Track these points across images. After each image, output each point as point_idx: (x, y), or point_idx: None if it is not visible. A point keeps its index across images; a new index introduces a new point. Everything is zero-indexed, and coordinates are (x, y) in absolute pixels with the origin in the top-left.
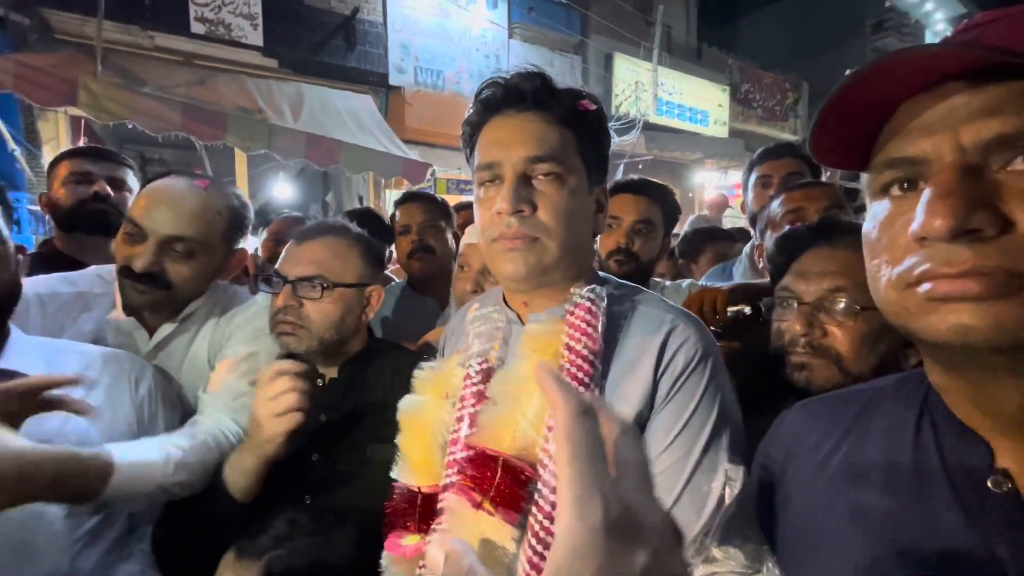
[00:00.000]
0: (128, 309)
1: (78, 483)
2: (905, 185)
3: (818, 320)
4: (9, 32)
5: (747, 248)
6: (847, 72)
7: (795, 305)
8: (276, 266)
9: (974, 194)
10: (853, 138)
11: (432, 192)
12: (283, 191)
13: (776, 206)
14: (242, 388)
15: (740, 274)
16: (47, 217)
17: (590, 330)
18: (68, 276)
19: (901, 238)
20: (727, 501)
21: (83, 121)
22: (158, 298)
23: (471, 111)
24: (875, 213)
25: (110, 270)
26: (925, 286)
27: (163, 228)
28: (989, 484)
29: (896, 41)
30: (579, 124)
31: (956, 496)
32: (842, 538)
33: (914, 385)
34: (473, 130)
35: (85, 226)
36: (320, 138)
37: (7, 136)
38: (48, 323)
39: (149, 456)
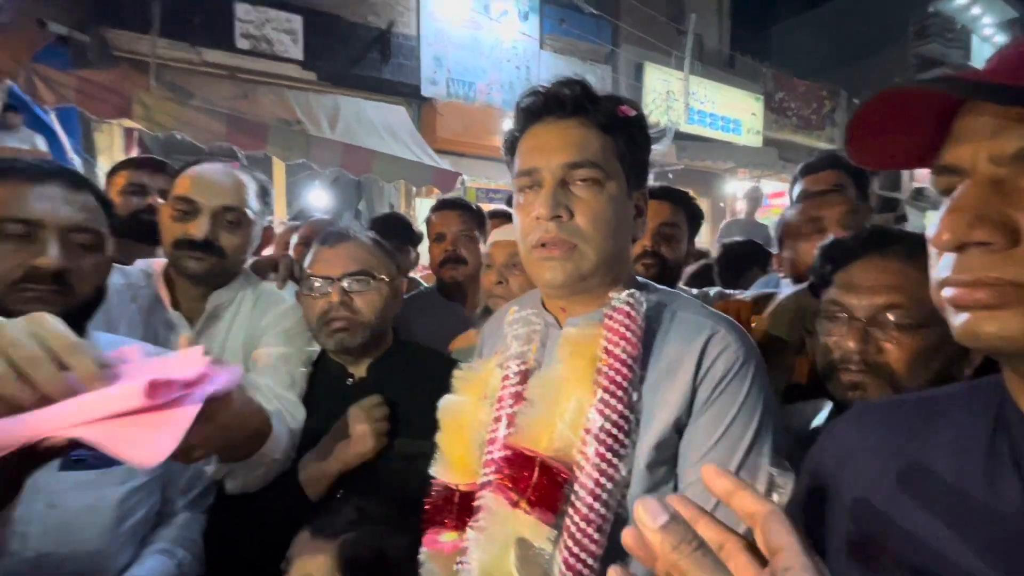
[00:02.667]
0: (172, 302)
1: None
2: (949, 193)
3: (872, 336)
4: (71, 49)
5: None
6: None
7: (846, 319)
8: (310, 270)
9: (986, 208)
10: (911, 135)
11: (463, 199)
12: (318, 199)
13: (793, 215)
14: (278, 392)
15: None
16: None
17: (628, 334)
18: (120, 268)
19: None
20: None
21: (136, 133)
22: (214, 265)
23: (514, 120)
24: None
25: (152, 264)
26: (947, 291)
27: (214, 200)
28: None
29: (940, 47)
30: (619, 130)
31: None
32: (899, 557)
33: (988, 395)
34: (514, 138)
35: (136, 235)
36: (355, 148)
37: (67, 147)
38: (105, 312)
39: (276, 428)
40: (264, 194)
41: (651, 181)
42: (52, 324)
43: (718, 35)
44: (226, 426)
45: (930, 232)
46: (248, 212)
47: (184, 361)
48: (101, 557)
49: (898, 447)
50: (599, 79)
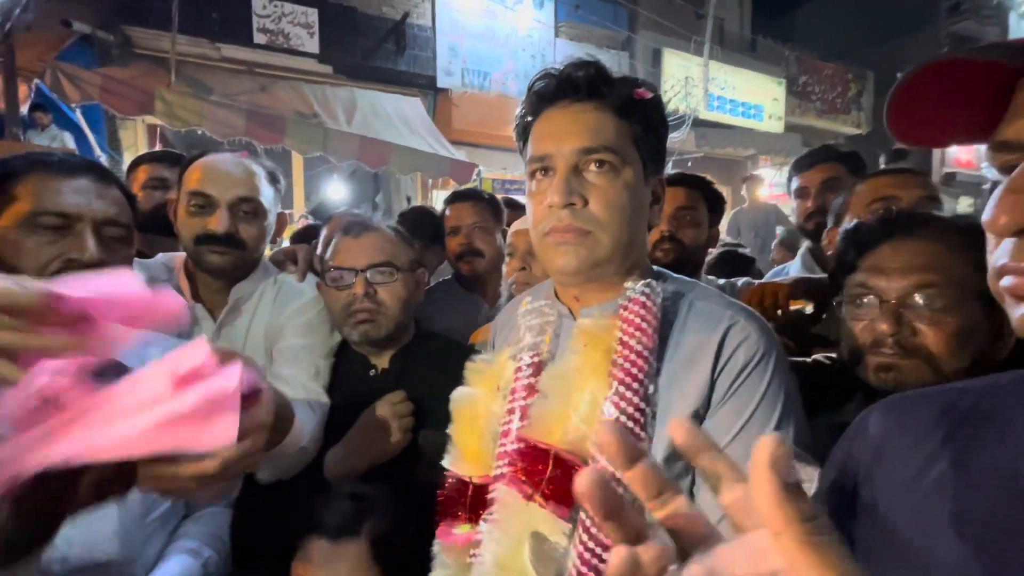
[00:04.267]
0: (193, 294)
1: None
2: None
3: (905, 318)
4: (96, 48)
5: (802, 250)
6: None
7: (875, 302)
8: (333, 262)
9: None
10: (961, 108)
11: (480, 189)
12: (336, 191)
13: (862, 190)
14: (303, 382)
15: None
16: None
17: (644, 325)
18: (141, 262)
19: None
20: None
21: (158, 128)
22: (236, 258)
23: (524, 103)
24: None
25: (172, 257)
26: (1005, 280)
27: (230, 192)
28: None
29: (975, 25)
30: (635, 113)
31: None
32: (940, 558)
33: None
34: (526, 123)
35: (158, 229)
36: (372, 140)
37: (94, 143)
38: None
39: (302, 416)
40: (274, 180)
41: (669, 169)
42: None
43: (739, 18)
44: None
45: (986, 214)
46: (263, 201)
47: (189, 353)
48: (127, 548)
49: (942, 440)
50: (616, 65)
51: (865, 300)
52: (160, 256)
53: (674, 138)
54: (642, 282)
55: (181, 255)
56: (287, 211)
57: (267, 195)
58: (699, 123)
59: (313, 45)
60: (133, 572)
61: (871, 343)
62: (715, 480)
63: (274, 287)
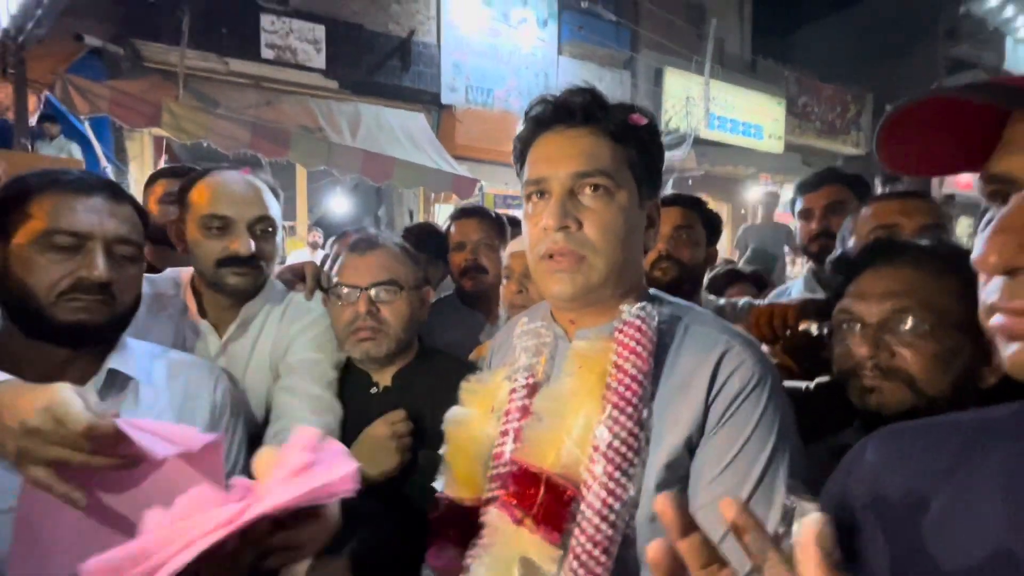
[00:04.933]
0: (200, 310)
1: None
2: (999, 202)
3: (884, 342)
4: (105, 61)
5: (805, 272)
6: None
7: (857, 327)
8: (337, 278)
9: None
10: (951, 138)
11: (485, 207)
12: (339, 205)
13: (865, 215)
14: (316, 391)
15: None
16: None
17: (639, 349)
18: (149, 278)
19: None
20: (793, 535)
21: (165, 140)
22: (256, 279)
23: (522, 128)
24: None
25: (180, 273)
26: (995, 318)
27: (248, 213)
28: None
29: (971, 50)
30: (630, 139)
31: None
32: None
33: None
34: (524, 146)
35: (173, 243)
36: (375, 155)
37: (101, 155)
38: (135, 321)
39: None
40: (276, 195)
41: (670, 187)
42: (67, 410)
43: (739, 39)
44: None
45: (976, 252)
46: (275, 218)
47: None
48: None
49: (941, 475)
50: (618, 84)
51: (849, 325)
52: (169, 271)
53: (675, 156)
54: (637, 305)
55: (189, 271)
56: (290, 223)
57: (276, 211)
58: (700, 142)
59: (320, 61)
60: None
61: (853, 366)
62: (760, 560)
63: (282, 305)
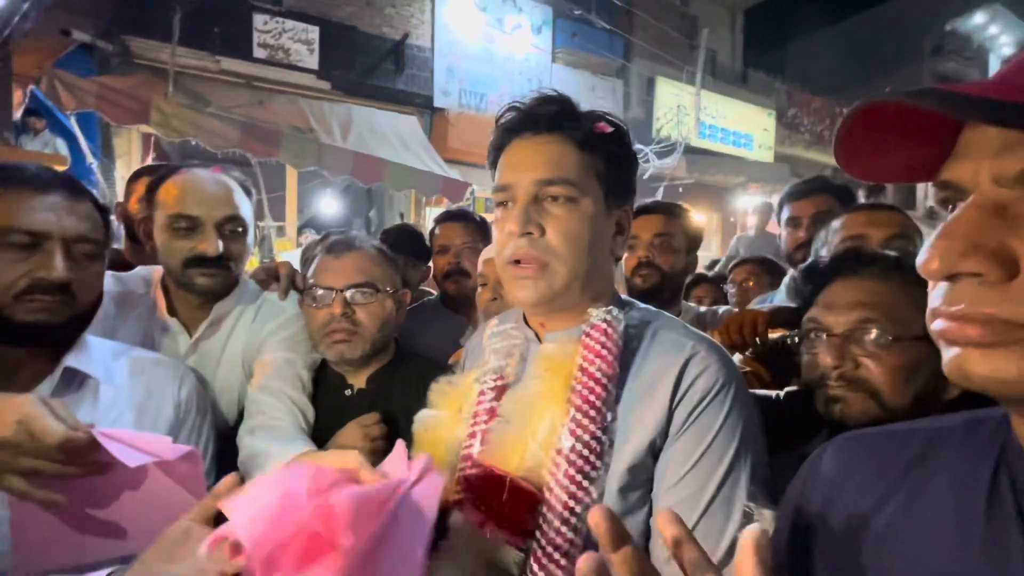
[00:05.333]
0: (170, 309)
1: None
2: (950, 208)
3: (849, 352)
4: (95, 57)
5: (786, 280)
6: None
7: (824, 337)
8: (313, 280)
9: (982, 234)
10: (913, 145)
11: (470, 210)
12: (329, 206)
13: (836, 227)
14: (289, 392)
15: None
16: (119, 225)
17: (605, 352)
18: (118, 276)
19: None
20: None
21: (152, 138)
22: (225, 279)
23: (493, 135)
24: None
25: (151, 271)
26: (937, 323)
27: (216, 212)
28: None
29: (957, 66)
30: (597, 147)
31: None
32: None
33: (989, 429)
34: (496, 153)
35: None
36: (366, 156)
37: (87, 150)
38: (100, 320)
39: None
40: (248, 193)
41: (660, 195)
42: (41, 423)
43: (731, 50)
44: None
45: (919, 258)
46: (245, 218)
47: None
48: None
49: (892, 484)
50: (610, 92)
51: (816, 335)
52: (139, 269)
53: (666, 164)
54: (604, 309)
55: (160, 268)
56: (279, 224)
57: (247, 210)
58: (690, 150)
59: (313, 61)
60: None
61: (819, 376)
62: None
63: (255, 305)
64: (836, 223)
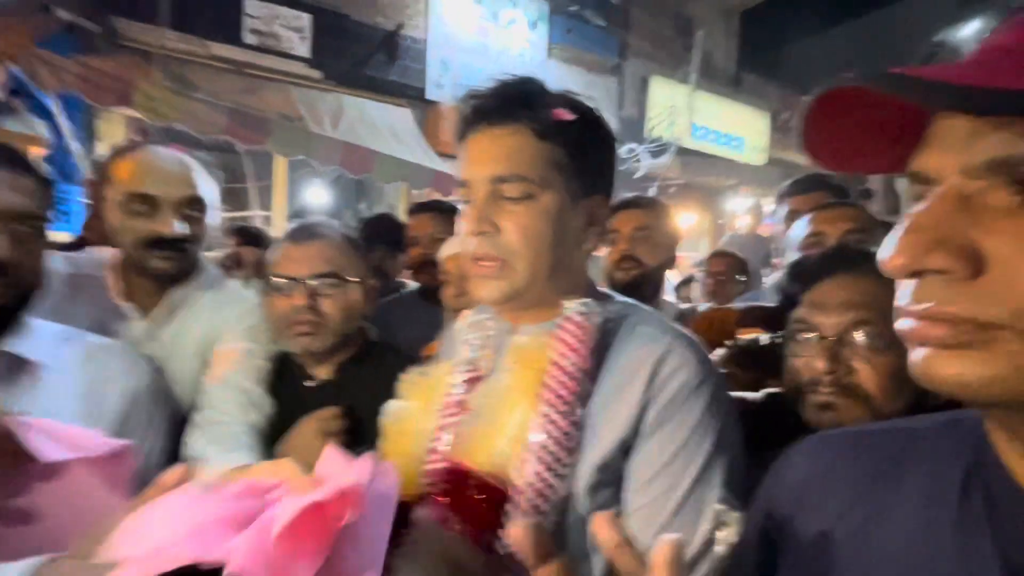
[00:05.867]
0: (125, 293)
1: None
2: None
3: (842, 356)
4: (78, 37)
5: (775, 278)
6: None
7: (814, 339)
8: (275, 269)
9: (948, 229)
10: (888, 135)
11: (443, 200)
12: (319, 197)
13: (799, 228)
14: (245, 385)
15: None
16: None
17: (579, 346)
18: (71, 257)
19: None
20: (718, 546)
21: (137, 122)
22: (183, 263)
23: (456, 127)
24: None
25: (107, 254)
26: (903, 322)
27: (175, 192)
28: None
29: None
30: (557, 135)
31: None
32: None
33: (964, 432)
34: (459, 144)
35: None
36: (355, 147)
37: (68, 132)
38: (50, 304)
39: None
40: (211, 175)
41: (652, 194)
42: None
43: (726, 52)
44: None
45: (882, 253)
46: (206, 199)
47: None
48: None
49: (863, 487)
50: (605, 90)
51: (805, 336)
52: (92, 250)
53: (658, 164)
54: (579, 301)
55: (115, 250)
56: (266, 213)
57: (208, 192)
58: (683, 151)
59: (304, 49)
60: None
61: (809, 381)
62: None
63: (215, 292)
64: (801, 223)
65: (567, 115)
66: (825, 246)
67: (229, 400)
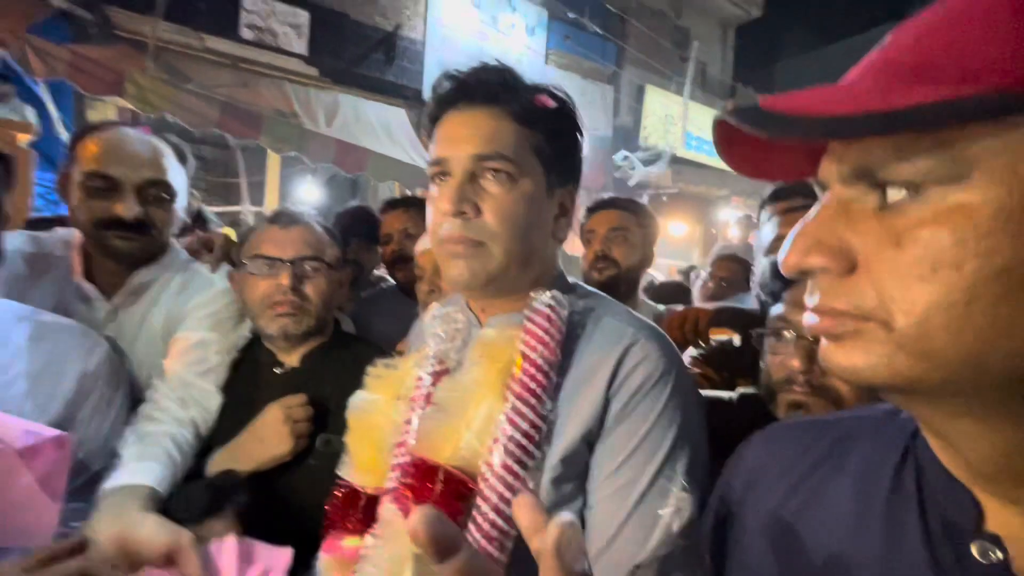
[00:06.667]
0: (88, 273)
1: None
2: None
3: (818, 356)
4: (71, 26)
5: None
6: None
7: (792, 338)
8: (257, 251)
9: (826, 231)
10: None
11: (414, 195)
12: (311, 193)
13: (767, 232)
14: (189, 379)
15: None
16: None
17: (547, 339)
18: (34, 235)
19: None
20: (673, 528)
21: (129, 112)
22: (144, 244)
23: (428, 104)
24: None
25: (72, 233)
26: (805, 316)
27: (138, 174)
28: (973, 551)
29: None
30: (537, 122)
31: (932, 561)
32: None
33: (903, 419)
34: (431, 125)
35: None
36: (350, 145)
37: (57, 120)
38: (10, 281)
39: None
40: (183, 159)
41: (644, 202)
42: None
43: (721, 64)
44: None
45: (779, 255)
46: (173, 184)
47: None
48: None
49: (804, 472)
50: (601, 98)
51: (783, 335)
52: (58, 230)
53: (652, 172)
54: (549, 293)
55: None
56: (258, 208)
57: (176, 177)
58: (676, 160)
59: (301, 46)
60: None
61: (784, 379)
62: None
63: (183, 276)
64: (766, 227)
65: (549, 102)
66: None
67: (169, 394)
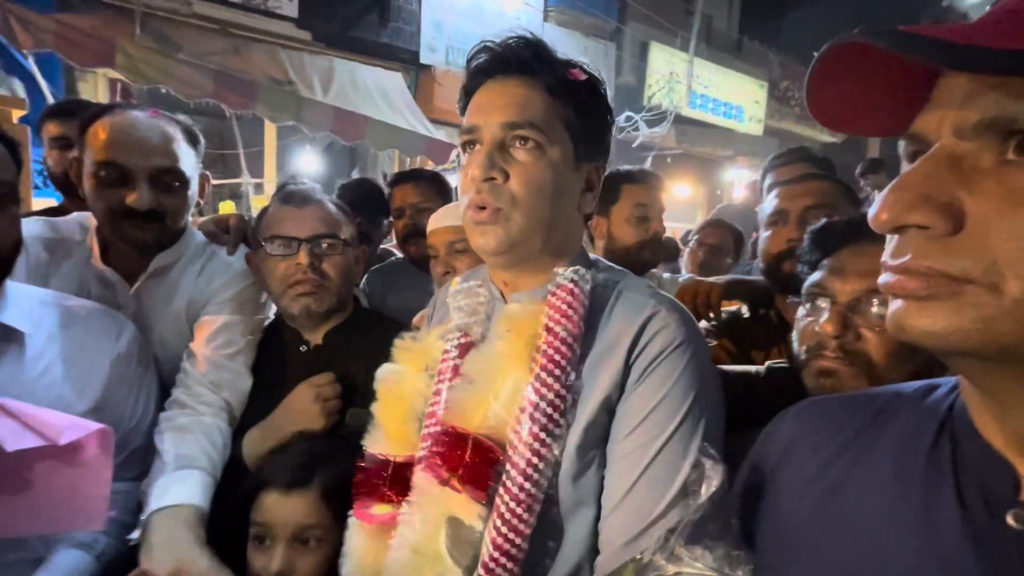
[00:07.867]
0: (106, 258)
1: None
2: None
3: (852, 323)
4: None
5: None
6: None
7: (827, 304)
8: (274, 230)
9: (934, 187)
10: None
11: (424, 169)
12: (309, 163)
13: (768, 204)
14: (220, 361)
15: None
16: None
17: (571, 312)
18: (52, 221)
19: None
20: (702, 495)
21: (120, 84)
22: (159, 233)
23: (465, 76)
24: None
25: (89, 217)
26: (883, 276)
27: (149, 162)
28: (1009, 519)
29: None
30: (568, 94)
31: (967, 526)
32: (828, 557)
33: (943, 393)
34: (467, 98)
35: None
36: (348, 113)
37: (47, 94)
38: (31, 268)
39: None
40: (194, 141)
41: (649, 165)
42: None
43: (727, 17)
44: None
45: (871, 210)
46: (185, 169)
47: None
48: None
49: (842, 444)
50: (603, 56)
51: (818, 302)
52: (75, 215)
53: (656, 132)
54: (571, 268)
55: None
56: (257, 180)
57: (188, 161)
58: (680, 120)
59: (292, 9)
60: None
61: (815, 345)
62: None
63: (201, 259)
64: (768, 200)
65: (580, 75)
66: (788, 224)
67: (201, 379)
